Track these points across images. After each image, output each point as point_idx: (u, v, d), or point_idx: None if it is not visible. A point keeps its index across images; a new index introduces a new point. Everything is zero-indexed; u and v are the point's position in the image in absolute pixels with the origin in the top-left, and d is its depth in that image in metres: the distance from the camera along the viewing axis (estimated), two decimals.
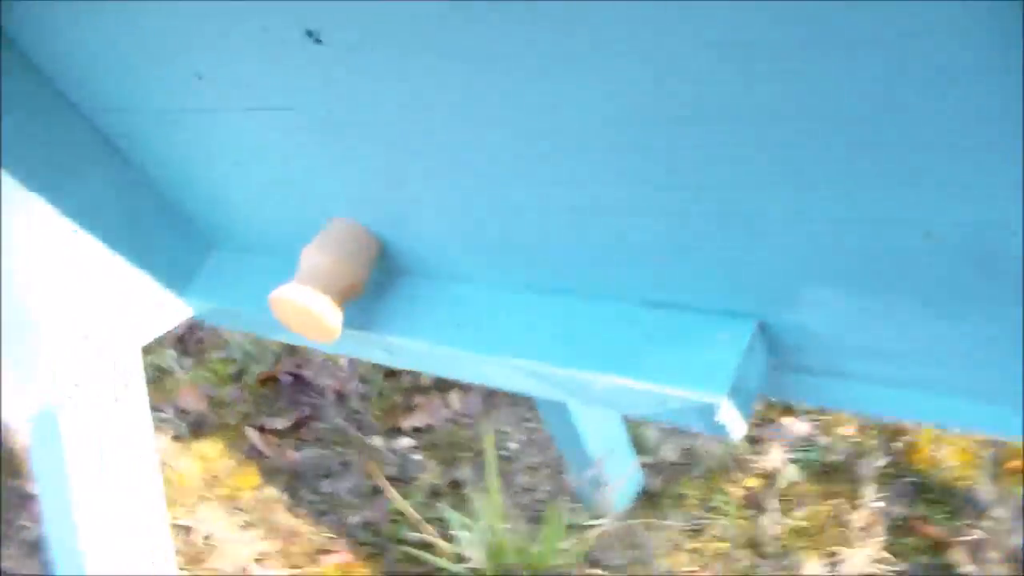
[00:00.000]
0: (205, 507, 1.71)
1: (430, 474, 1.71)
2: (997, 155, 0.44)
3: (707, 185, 0.55)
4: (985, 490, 1.49)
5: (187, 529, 1.68)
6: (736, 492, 1.58)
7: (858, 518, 1.45)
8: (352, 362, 1.96)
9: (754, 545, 1.51)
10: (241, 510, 1.72)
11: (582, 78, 0.52)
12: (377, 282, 0.80)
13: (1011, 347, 0.53)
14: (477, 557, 1.48)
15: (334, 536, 1.64)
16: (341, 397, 1.89)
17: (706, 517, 1.55)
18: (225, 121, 0.76)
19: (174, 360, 2.04)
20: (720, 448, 1.64)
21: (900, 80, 0.43)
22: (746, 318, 0.61)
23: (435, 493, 1.67)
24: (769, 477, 1.59)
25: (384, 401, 1.91)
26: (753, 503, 1.56)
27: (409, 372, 1.97)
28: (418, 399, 1.90)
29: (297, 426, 1.88)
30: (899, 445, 1.63)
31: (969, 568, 1.39)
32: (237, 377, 2.02)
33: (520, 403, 1.82)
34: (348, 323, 0.78)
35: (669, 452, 1.68)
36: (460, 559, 1.49)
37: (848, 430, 1.67)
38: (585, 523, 1.53)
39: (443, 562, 1.49)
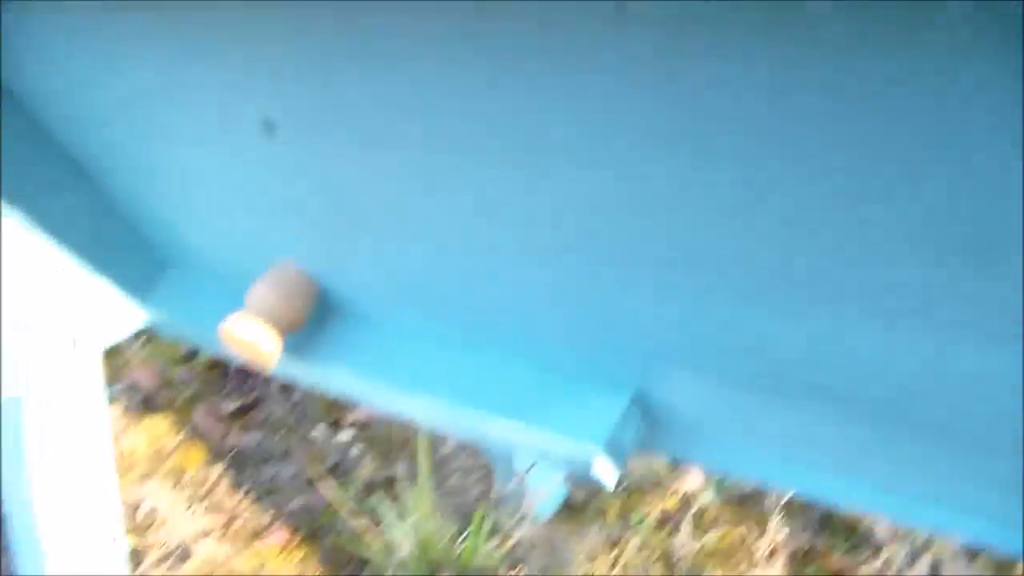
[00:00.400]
0: (150, 482, 1.78)
1: (367, 468, 1.80)
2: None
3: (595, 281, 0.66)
4: (886, 528, 1.61)
5: (132, 503, 1.76)
6: (653, 510, 1.69)
7: (764, 543, 1.56)
8: None
9: (666, 560, 1.61)
10: (184, 487, 1.79)
11: (514, 171, 0.62)
12: (315, 319, 0.90)
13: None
14: (405, 549, 1.57)
15: (272, 519, 1.72)
16: (286, 387, 1.97)
17: (624, 531, 1.65)
18: (182, 159, 0.85)
19: (129, 337, 2.11)
20: (643, 468, 1.75)
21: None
22: (625, 388, 0.73)
23: (370, 486, 1.75)
24: (686, 499, 1.70)
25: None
26: (669, 521, 1.67)
27: None
28: None
29: (243, 411, 1.96)
30: None
31: None
32: (189, 358, 2.09)
33: None
34: (287, 352, 0.88)
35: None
36: (390, 550, 1.58)
37: None
38: (509, 527, 1.62)
39: (374, 551, 1.57)
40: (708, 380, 0.68)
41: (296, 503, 1.74)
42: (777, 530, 1.62)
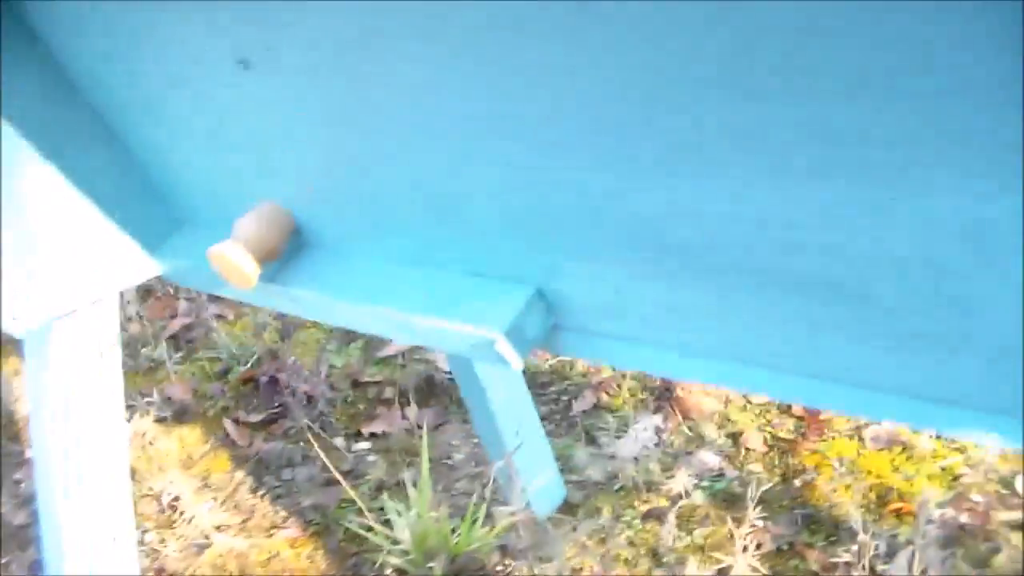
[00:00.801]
0: (177, 483, 1.92)
1: (378, 472, 1.91)
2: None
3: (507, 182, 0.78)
4: (864, 524, 1.68)
5: (159, 498, 1.89)
6: (643, 508, 1.77)
7: (743, 534, 1.64)
8: (323, 369, 2.17)
9: (653, 554, 1.70)
10: (209, 487, 1.92)
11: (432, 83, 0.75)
12: (290, 251, 1.03)
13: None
14: (406, 540, 1.67)
15: (287, 515, 1.84)
16: (311, 400, 2.10)
17: (615, 527, 1.74)
18: (176, 110, 0.99)
19: (167, 355, 2.26)
20: (638, 471, 1.84)
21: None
22: (527, 285, 0.85)
23: (380, 488, 1.87)
24: (674, 498, 1.79)
25: (349, 407, 2.12)
26: (657, 518, 1.75)
27: (375, 384, 2.18)
28: (380, 409, 2.10)
29: (268, 421, 2.09)
30: (798, 483, 1.82)
31: None
32: (221, 375, 2.24)
33: (468, 421, 2.02)
34: (266, 278, 1.02)
35: (594, 472, 1.88)
36: (394, 543, 1.69)
37: (756, 467, 1.86)
38: (502, 520, 1.72)
39: (379, 541, 1.68)
40: (596, 266, 0.79)
41: (309, 501, 1.86)
42: (759, 527, 1.70)
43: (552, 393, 2.13)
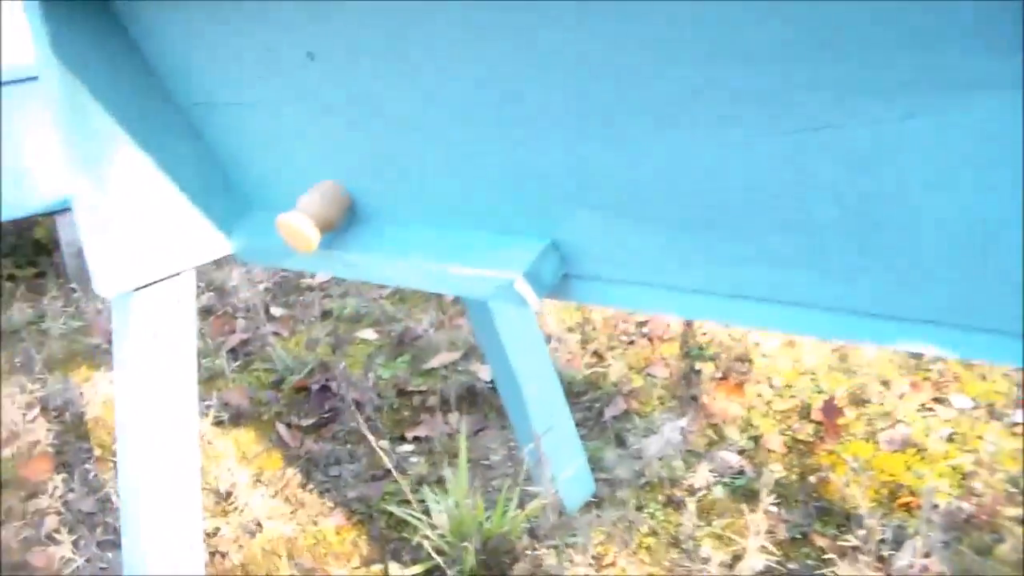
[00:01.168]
0: (233, 478, 2.06)
1: (420, 469, 2.04)
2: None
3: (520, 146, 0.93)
4: (874, 515, 1.78)
5: (216, 490, 2.03)
6: (666, 501, 1.89)
7: (756, 520, 1.75)
8: (371, 379, 2.31)
9: (675, 542, 1.81)
10: (262, 482, 2.07)
11: (429, 72, 0.90)
12: (347, 222, 1.18)
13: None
14: (443, 525, 1.80)
15: (334, 506, 1.98)
16: (359, 406, 2.24)
17: (639, 518, 1.85)
18: (259, 122, 1.16)
19: (226, 364, 2.42)
20: (663, 468, 1.95)
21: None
22: (543, 237, 0.99)
23: (421, 482, 2.00)
24: (695, 491, 1.90)
25: (395, 413, 2.26)
26: (678, 509, 1.87)
27: (419, 392, 2.32)
28: (423, 416, 2.24)
29: (319, 425, 2.24)
30: (813, 479, 1.92)
31: (847, 570, 1.68)
32: (276, 384, 2.39)
33: (506, 427, 2.15)
34: (324, 246, 1.17)
35: (622, 471, 2.00)
36: (432, 527, 1.81)
37: (775, 466, 1.97)
38: (532, 509, 1.84)
39: (418, 525, 1.81)
40: (605, 217, 0.93)
41: (354, 493, 1.99)
42: (774, 514, 1.80)
43: (586, 401, 2.25)
